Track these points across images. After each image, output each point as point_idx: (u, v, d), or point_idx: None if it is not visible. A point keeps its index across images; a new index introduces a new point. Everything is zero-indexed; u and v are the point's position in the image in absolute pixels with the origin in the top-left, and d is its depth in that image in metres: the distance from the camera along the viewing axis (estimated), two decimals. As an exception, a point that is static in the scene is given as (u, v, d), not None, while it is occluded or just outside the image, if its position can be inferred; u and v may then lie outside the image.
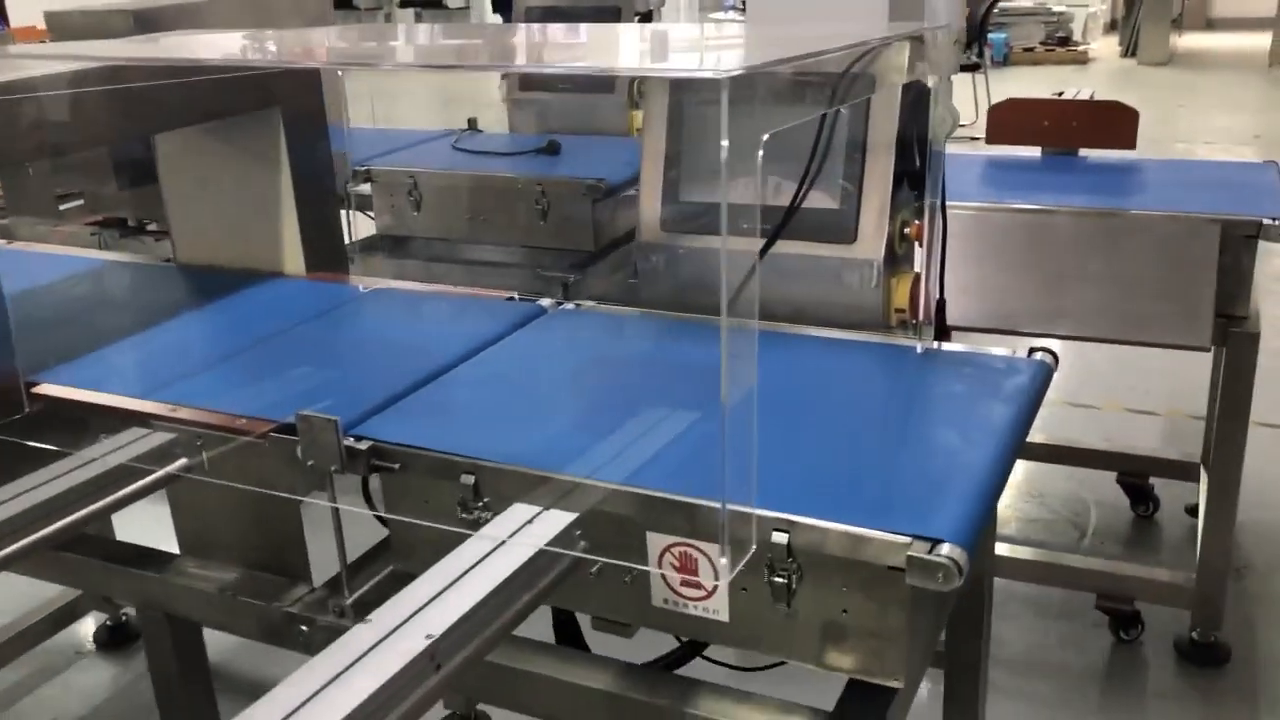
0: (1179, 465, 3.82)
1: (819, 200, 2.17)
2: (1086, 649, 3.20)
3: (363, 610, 1.81)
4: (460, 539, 1.68)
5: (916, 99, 2.16)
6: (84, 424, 1.87)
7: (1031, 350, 2.00)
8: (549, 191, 3.58)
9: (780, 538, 1.49)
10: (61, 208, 4.25)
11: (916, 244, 2.21)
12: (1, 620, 3.22)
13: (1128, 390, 4.83)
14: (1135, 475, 3.85)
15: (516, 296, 2.41)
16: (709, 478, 1.56)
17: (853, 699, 1.58)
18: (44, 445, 1.73)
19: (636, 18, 4.40)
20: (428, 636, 1.21)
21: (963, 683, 2.22)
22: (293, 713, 1.07)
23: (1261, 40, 14.40)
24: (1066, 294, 2.86)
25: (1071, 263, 2.86)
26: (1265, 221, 2.77)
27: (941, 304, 2.23)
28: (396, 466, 1.74)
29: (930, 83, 2.15)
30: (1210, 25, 17.58)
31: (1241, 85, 12.69)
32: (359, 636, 1.23)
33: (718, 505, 1.33)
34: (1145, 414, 4.70)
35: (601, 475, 1.61)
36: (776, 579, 1.52)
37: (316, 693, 1.10)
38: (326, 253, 2.71)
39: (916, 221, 2.18)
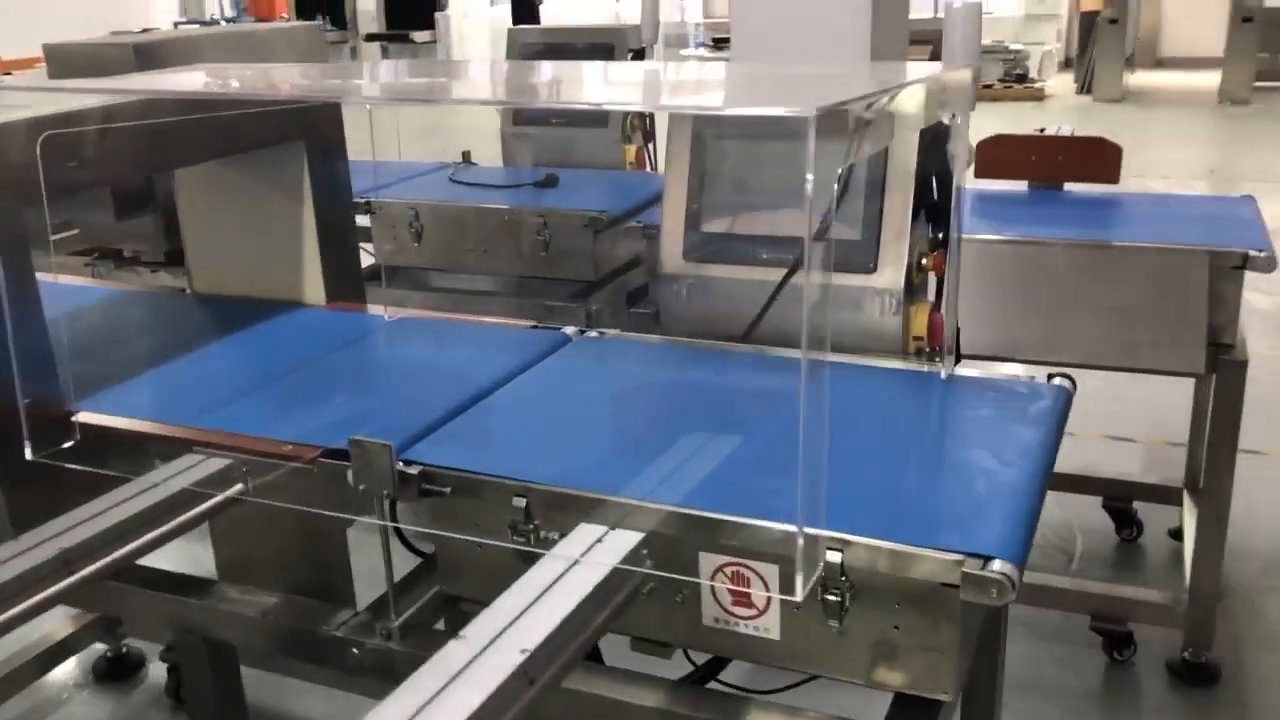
0: (1162, 490, 3.92)
1: (840, 231, 2.25)
2: (1082, 669, 3.28)
3: (409, 633, 1.85)
4: (512, 560, 1.73)
5: (933, 135, 2.24)
6: (132, 452, 1.89)
7: (1050, 375, 2.08)
8: (551, 223, 3.63)
9: (834, 556, 1.55)
10: (53, 238, 4.25)
11: (933, 274, 2.29)
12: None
13: (1105, 418, 4.94)
14: (1120, 500, 3.95)
15: (537, 325, 2.47)
16: (760, 499, 1.62)
17: (901, 713, 1.64)
18: (101, 470, 1.75)
19: (630, 55, 4.48)
20: (522, 651, 1.26)
21: (979, 703, 2.28)
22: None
23: (1209, 78, 14.81)
24: (1065, 323, 2.95)
25: (1069, 293, 2.96)
26: (1251, 253, 2.89)
27: (957, 332, 2.31)
28: (448, 490, 1.78)
29: (948, 120, 2.24)
30: (1160, 64, 18.04)
31: (1192, 121, 13.05)
32: (454, 653, 1.26)
33: (789, 528, 1.38)
34: (1123, 441, 4.81)
35: (653, 498, 1.66)
36: (830, 597, 1.57)
37: (423, 707, 1.14)
38: (345, 283, 2.75)
39: (934, 253, 2.27)
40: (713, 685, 2.06)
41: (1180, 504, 3.81)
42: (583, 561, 1.48)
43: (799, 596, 1.41)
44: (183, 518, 1.70)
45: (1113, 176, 3.56)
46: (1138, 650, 3.30)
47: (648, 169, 4.50)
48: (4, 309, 1.79)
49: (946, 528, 1.56)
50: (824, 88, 2.19)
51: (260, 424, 1.97)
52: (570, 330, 2.42)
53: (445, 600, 1.91)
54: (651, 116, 4.46)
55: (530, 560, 1.75)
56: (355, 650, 1.82)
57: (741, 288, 2.34)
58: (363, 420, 1.97)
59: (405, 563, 2.04)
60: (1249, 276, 2.91)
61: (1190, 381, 3.52)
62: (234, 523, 1.99)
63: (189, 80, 2.32)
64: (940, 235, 2.29)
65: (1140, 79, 16.49)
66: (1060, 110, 14.27)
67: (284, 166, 2.60)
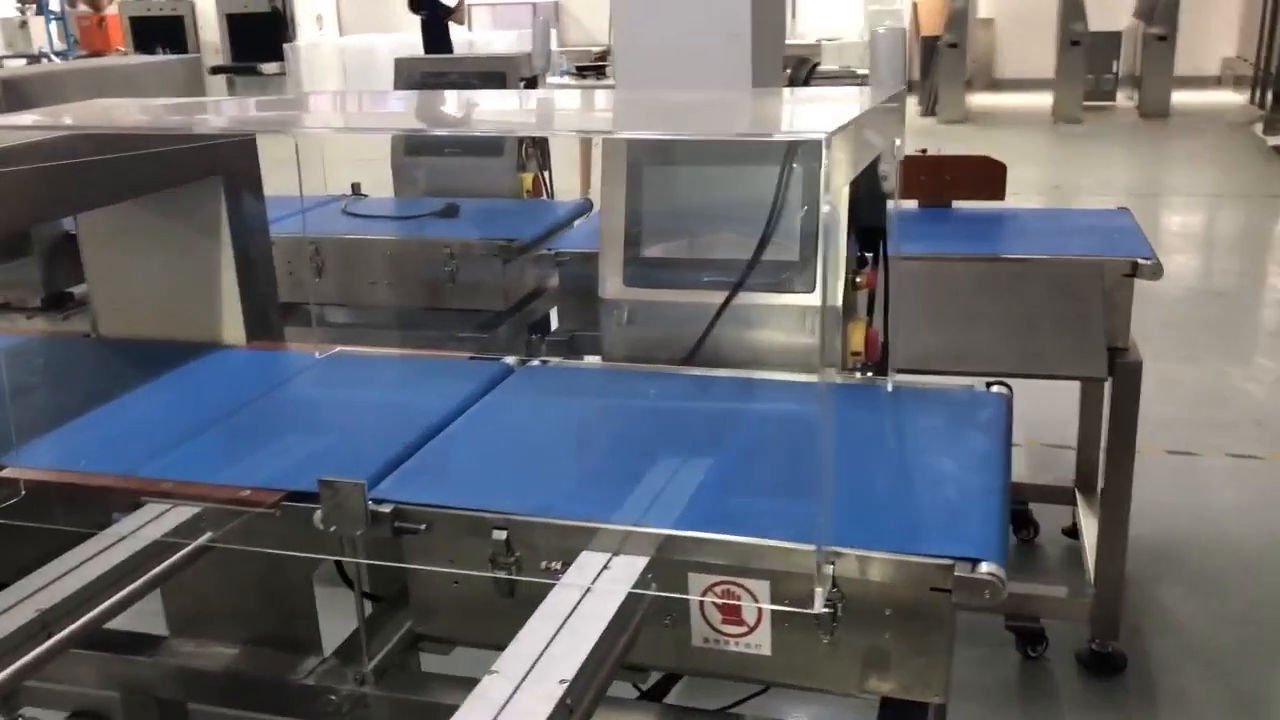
0: (1054, 490, 4.11)
1: (780, 252, 2.30)
2: (999, 667, 3.40)
3: (382, 676, 1.81)
4: (490, 595, 1.71)
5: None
6: (82, 505, 1.80)
7: (989, 384, 2.17)
8: (458, 253, 3.60)
9: (826, 569, 1.58)
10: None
11: (865, 292, 2.36)
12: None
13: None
14: (1017, 502, 4.12)
15: (475, 355, 2.45)
16: (744, 517, 1.65)
17: (890, 717, 1.68)
18: (51, 526, 1.66)
19: (522, 83, 4.48)
20: (561, 682, 1.24)
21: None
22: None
23: (1043, 99, 15.60)
24: (972, 335, 3.07)
25: (975, 306, 3.08)
26: (1140, 261, 3.07)
27: (886, 346, 2.39)
28: (423, 527, 1.75)
29: (880, 144, 2.32)
30: (996, 85, 18.90)
31: (1030, 139, 13.71)
32: (493, 688, 1.24)
33: (801, 545, 1.41)
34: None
35: (642, 522, 1.67)
36: (822, 609, 1.60)
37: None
38: (264, 321, 2.67)
39: (867, 270, 2.34)
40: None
41: (1073, 503, 3.99)
42: (595, 590, 1.47)
43: (818, 609, 1.43)
44: (156, 570, 1.62)
45: (998, 193, 3.73)
46: (1048, 645, 3.44)
47: (544, 196, 4.51)
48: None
49: (928, 534, 1.60)
50: (782, 111, 2.25)
51: (210, 470, 1.90)
52: (511, 360, 2.40)
53: (417, 640, 1.88)
54: (546, 143, 4.47)
55: (508, 594, 1.74)
56: (333, 697, 1.77)
57: (683, 311, 2.37)
58: (319, 460, 1.92)
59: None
60: (1136, 284, 3.09)
61: (1067, 387, 3.68)
62: (185, 574, 1.91)
63: (109, 115, 2.23)
64: (871, 254, 2.37)
65: (980, 100, 17.23)
66: (909, 132, 14.78)
67: (199, 203, 2.52)
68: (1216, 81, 17.12)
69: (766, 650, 1.67)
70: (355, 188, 4.41)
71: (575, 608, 1.43)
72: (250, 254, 2.61)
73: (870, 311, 2.40)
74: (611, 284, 2.41)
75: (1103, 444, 3.41)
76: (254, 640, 1.90)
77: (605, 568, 1.52)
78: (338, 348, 2.50)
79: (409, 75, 4.59)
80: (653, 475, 1.81)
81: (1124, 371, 3.09)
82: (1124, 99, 15.90)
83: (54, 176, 2.07)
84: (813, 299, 2.29)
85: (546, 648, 1.33)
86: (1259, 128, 12.78)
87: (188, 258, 2.57)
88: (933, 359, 3.09)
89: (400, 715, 1.81)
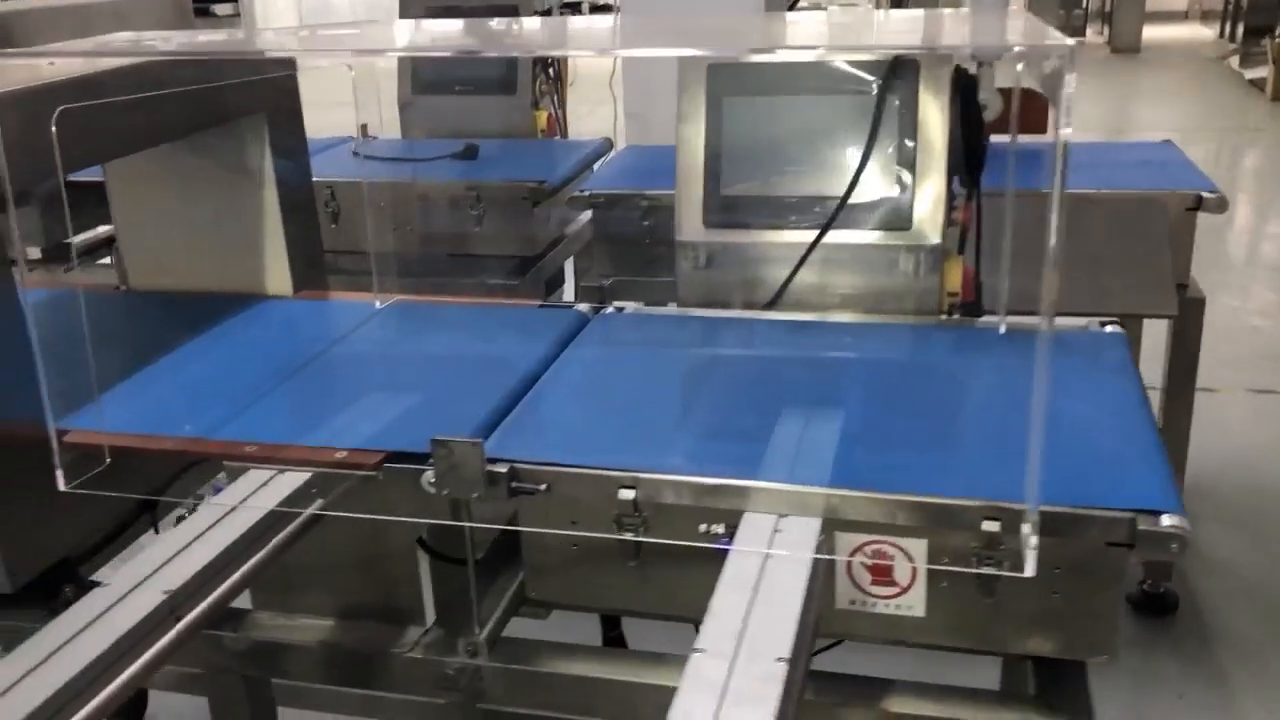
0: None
1: (875, 187, 2.17)
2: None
3: (493, 645, 1.69)
4: (609, 558, 1.60)
5: (959, 85, 2.19)
6: (171, 472, 1.66)
7: (1103, 323, 2.07)
8: (485, 196, 3.44)
9: (991, 526, 1.48)
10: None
11: (960, 229, 2.25)
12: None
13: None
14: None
15: (545, 304, 2.31)
16: (893, 472, 1.54)
17: (1049, 679, 1.59)
18: (140, 496, 1.51)
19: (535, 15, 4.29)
20: (779, 660, 1.13)
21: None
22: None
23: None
24: (1038, 273, 2.97)
25: (1037, 243, 2.97)
26: (1204, 194, 2.98)
27: (979, 286, 2.28)
28: (543, 487, 1.62)
29: (974, 69, 2.20)
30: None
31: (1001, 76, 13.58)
32: (707, 667, 1.13)
33: (1012, 505, 1.31)
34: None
35: (770, 479, 1.56)
36: (986, 568, 1.50)
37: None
38: (310, 269, 2.51)
39: (963, 206, 2.22)
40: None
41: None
42: (774, 555, 1.36)
43: (1029, 571, 1.33)
44: (275, 541, 1.48)
45: (1041, 126, 3.61)
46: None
47: (558, 135, 4.34)
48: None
49: (1099, 487, 1.50)
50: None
51: (296, 431, 1.76)
52: (583, 307, 2.27)
53: (532, 604, 1.77)
54: (560, 80, 4.29)
55: (634, 555, 1.63)
56: (450, 671, 1.65)
57: (766, 252, 2.24)
58: (414, 418, 1.79)
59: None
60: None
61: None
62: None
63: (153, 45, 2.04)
64: (967, 189, 2.25)
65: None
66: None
67: (242, 143, 2.35)
68: (1184, 16, 17.09)
69: (920, 611, 1.57)
70: (363, 129, 4.21)
71: (761, 575, 1.31)
72: (295, 197, 2.44)
73: (962, 249, 2.28)
74: (689, 225, 2.27)
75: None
76: (350, 612, 1.77)
77: (776, 530, 1.41)
78: (396, 297, 2.35)
79: (414, 7, 4.37)
80: (783, 428, 1.69)
81: (1188, 308, 3.01)
82: (1094, 34, 15.83)
83: (117, 114, 1.89)
84: (910, 237, 2.17)
85: (747, 621, 1.21)
86: (1234, 61, 12.76)
87: (229, 202, 2.40)
88: (998, 300, 2.99)
89: (515, 685, 1.69)
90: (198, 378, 1.98)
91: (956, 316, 2.19)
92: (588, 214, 3.93)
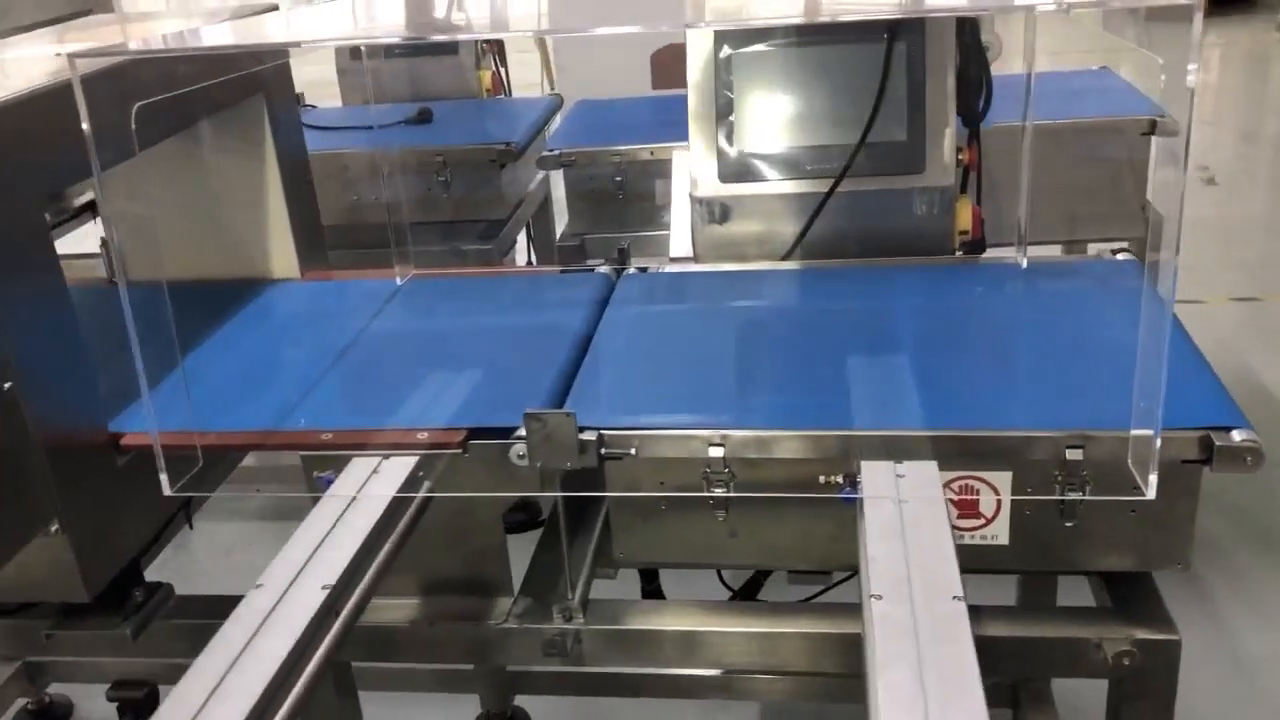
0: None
1: (886, 133, 2.23)
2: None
3: (585, 609, 1.73)
4: (696, 515, 1.65)
5: (962, 27, 2.25)
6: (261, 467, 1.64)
7: (1114, 251, 2.18)
8: (451, 160, 3.40)
9: (1075, 454, 1.56)
10: None
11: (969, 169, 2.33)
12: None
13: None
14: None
15: (566, 269, 2.33)
16: (958, 411, 1.62)
17: (1122, 591, 1.69)
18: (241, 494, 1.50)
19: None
20: (956, 599, 1.20)
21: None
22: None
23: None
24: (1014, 205, 3.07)
25: (1009, 176, 3.07)
26: (1157, 119, 3.11)
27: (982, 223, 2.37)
28: (632, 451, 1.66)
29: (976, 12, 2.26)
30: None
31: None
32: (891, 611, 1.18)
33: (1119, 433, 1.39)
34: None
35: (856, 425, 1.62)
36: (1070, 494, 1.59)
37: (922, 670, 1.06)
38: (314, 250, 2.47)
39: (969, 147, 2.29)
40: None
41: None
42: (907, 500, 1.41)
43: (1151, 494, 1.41)
44: (400, 527, 1.49)
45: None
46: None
47: (503, 94, 4.30)
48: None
49: (1168, 409, 1.59)
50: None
51: (370, 415, 1.76)
52: (604, 269, 2.29)
53: (618, 566, 1.81)
54: (501, 41, 4.24)
55: (717, 508, 1.68)
56: (557, 638, 1.68)
57: (783, 204, 2.28)
58: (482, 393, 1.81)
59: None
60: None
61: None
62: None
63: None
64: (970, 130, 2.33)
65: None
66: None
67: (241, 127, 2.29)
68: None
69: (1004, 539, 1.65)
70: (299, 98, 4.10)
71: (902, 520, 1.37)
72: (296, 178, 2.40)
73: (964, 188, 2.36)
74: (705, 181, 2.30)
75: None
76: (438, 589, 1.78)
77: (899, 475, 1.47)
78: (414, 271, 2.33)
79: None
80: (849, 375, 1.76)
81: (1154, 228, 3.14)
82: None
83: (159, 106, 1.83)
84: (924, 179, 2.24)
85: (909, 564, 1.27)
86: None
87: (231, 187, 2.34)
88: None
89: (615, 645, 1.74)
90: (244, 369, 1.95)
91: (959, 255, 2.28)
92: (541, 174, 3.94)
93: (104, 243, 2.72)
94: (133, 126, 1.55)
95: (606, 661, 1.74)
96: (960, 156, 2.29)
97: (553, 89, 4.32)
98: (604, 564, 1.86)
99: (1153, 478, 1.41)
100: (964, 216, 2.29)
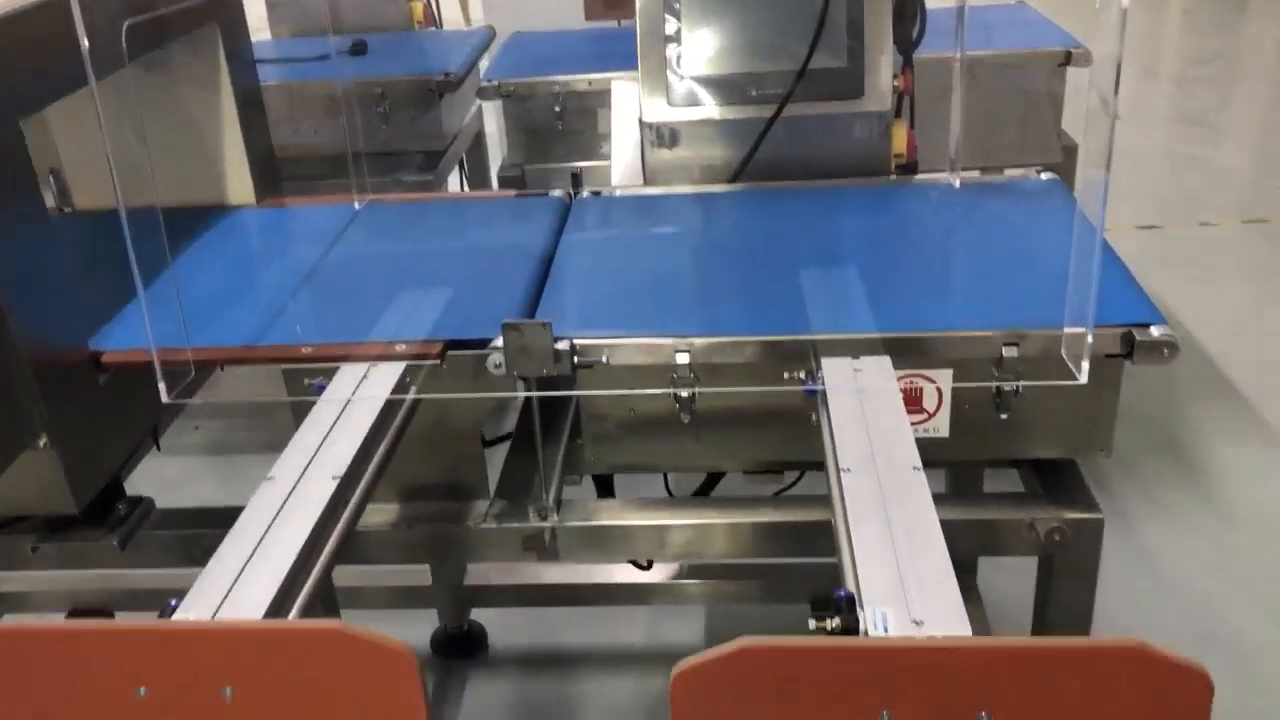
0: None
1: (827, 60, 2.34)
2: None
3: (559, 508, 1.85)
4: (665, 420, 1.77)
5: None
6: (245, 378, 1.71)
7: (1038, 171, 2.33)
8: (390, 92, 3.43)
9: (1011, 351, 1.71)
10: None
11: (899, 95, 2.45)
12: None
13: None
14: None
15: (521, 193, 2.41)
16: (904, 314, 1.75)
17: (1051, 478, 1.85)
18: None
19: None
20: (915, 469, 1.33)
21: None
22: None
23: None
24: (936, 134, 3.21)
25: (934, 106, 3.21)
26: (1073, 50, 3.27)
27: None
28: (603, 359, 1.76)
29: (909, -57, 2.37)
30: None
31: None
32: (858, 483, 1.31)
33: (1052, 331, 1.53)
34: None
35: (812, 329, 1.74)
36: (1005, 386, 1.74)
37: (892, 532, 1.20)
38: (269, 177, 2.51)
39: (904, 74, 2.42)
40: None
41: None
42: (866, 391, 1.54)
43: (1083, 379, 1.56)
44: (394, 427, 1.57)
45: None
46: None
47: (434, 26, 4.31)
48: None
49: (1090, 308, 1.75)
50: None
51: (347, 331, 1.83)
52: (556, 193, 2.37)
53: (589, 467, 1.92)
54: (429, -30, 4.24)
55: (682, 415, 1.79)
56: (535, 535, 1.79)
57: (730, 128, 2.39)
58: (454, 309, 1.89)
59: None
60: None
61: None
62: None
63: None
64: (904, 57, 2.45)
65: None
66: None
67: (195, 54, 2.31)
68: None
69: (945, 433, 1.80)
70: (228, 31, 4.07)
71: (863, 408, 1.50)
72: (250, 105, 2.43)
73: (899, 113, 2.49)
74: (653, 106, 2.39)
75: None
76: (417, 495, 1.88)
77: (857, 370, 1.59)
78: (370, 198, 2.39)
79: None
80: (801, 285, 1.87)
81: (1066, 155, 3.32)
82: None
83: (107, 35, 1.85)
84: (863, 104, 2.35)
85: (872, 444, 1.40)
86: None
87: (186, 115, 2.37)
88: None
89: (588, 541, 1.85)
90: (214, 290, 2.01)
91: (894, 176, 2.41)
92: (474, 108, 3.98)
93: (53, 171, 2.73)
94: (123, 43, 1.58)
95: (582, 556, 1.86)
96: (896, 83, 2.41)
97: (468, 23, 4.33)
98: (573, 470, 1.98)
99: (1085, 364, 1.56)
100: (899, 140, 2.41)
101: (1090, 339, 1.54)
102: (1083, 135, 1.71)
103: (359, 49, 3.73)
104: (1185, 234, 5.24)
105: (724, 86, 2.38)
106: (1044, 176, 2.30)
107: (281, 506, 1.32)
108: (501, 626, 2.92)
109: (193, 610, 1.17)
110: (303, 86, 3.48)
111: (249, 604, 1.17)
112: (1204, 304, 4.47)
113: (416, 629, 2.87)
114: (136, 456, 2.12)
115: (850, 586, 1.15)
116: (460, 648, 2.84)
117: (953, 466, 2.13)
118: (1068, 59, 3.27)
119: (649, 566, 2.63)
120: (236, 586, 1.21)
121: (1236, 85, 7.65)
